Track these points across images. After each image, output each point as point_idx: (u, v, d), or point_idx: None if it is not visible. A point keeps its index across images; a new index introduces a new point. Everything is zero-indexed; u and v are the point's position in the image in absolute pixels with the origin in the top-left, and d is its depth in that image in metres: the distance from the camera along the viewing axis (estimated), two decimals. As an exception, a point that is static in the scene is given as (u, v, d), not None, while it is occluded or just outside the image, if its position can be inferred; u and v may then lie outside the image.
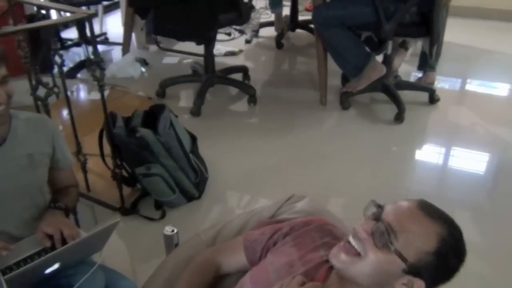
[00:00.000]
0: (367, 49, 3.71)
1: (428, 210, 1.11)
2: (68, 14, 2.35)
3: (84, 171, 2.75)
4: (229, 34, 5.43)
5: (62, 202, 1.77)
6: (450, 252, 1.09)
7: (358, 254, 1.11)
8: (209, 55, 3.91)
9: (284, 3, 5.18)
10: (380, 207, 1.14)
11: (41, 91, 2.34)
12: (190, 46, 3.79)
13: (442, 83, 4.35)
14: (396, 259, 1.07)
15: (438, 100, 3.90)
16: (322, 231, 1.35)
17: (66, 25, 5.20)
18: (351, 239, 1.13)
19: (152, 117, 2.70)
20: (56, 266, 1.50)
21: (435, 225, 1.09)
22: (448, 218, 1.14)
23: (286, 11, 5.20)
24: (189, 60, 4.62)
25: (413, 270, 1.07)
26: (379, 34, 3.50)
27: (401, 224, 1.08)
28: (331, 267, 1.22)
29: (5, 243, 1.56)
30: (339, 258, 1.13)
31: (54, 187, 1.88)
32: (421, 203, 1.13)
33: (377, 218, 1.12)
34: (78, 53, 4.83)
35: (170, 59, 4.85)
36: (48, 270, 1.50)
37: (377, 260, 1.08)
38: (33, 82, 2.32)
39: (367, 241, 1.09)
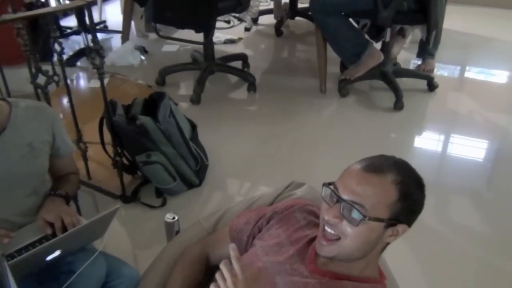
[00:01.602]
0: (365, 36, 3.71)
1: (372, 168, 1.15)
2: (67, 2, 2.35)
3: (85, 159, 2.76)
4: (228, 22, 5.42)
5: (62, 189, 1.77)
6: (411, 188, 1.15)
7: (339, 238, 1.15)
8: (208, 43, 3.90)
9: (284, -10, 5.18)
10: (332, 184, 1.18)
11: (41, 79, 2.34)
12: (189, 34, 3.78)
13: (441, 70, 4.35)
14: (374, 224, 1.12)
15: (437, 87, 3.91)
16: (305, 211, 1.39)
17: (65, 13, 5.19)
18: (327, 228, 1.17)
19: (152, 105, 2.71)
20: (57, 253, 1.51)
21: (386, 177, 1.13)
22: (390, 163, 1.17)
23: (285, -2, 5.19)
24: (188, 48, 4.62)
25: (392, 222, 1.13)
26: (377, 21, 3.50)
27: (359, 194, 1.12)
28: None
29: (6, 230, 1.57)
30: (325, 249, 1.17)
31: (54, 174, 1.88)
32: (362, 165, 1.16)
33: (337, 200, 1.15)
34: (78, 41, 4.82)
35: (170, 47, 4.85)
36: (49, 257, 1.50)
37: (359, 234, 1.12)
38: (33, 70, 2.33)
39: (341, 224, 1.13)
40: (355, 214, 1.11)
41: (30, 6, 3.93)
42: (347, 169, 1.19)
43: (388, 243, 1.21)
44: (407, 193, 1.13)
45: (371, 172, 1.14)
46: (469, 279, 2.27)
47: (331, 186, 1.18)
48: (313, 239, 1.29)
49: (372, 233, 1.13)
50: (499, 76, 4.38)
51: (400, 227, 1.15)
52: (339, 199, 1.14)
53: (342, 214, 1.13)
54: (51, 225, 1.62)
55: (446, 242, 2.47)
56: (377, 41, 3.85)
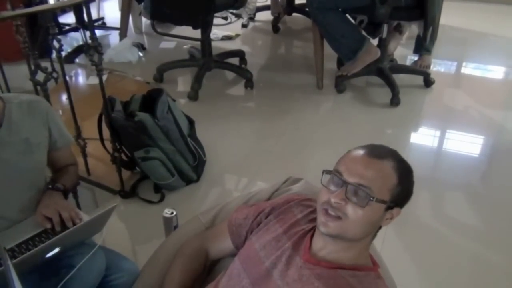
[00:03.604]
0: (362, 32, 3.72)
1: (375, 153, 1.23)
2: (65, -1, 2.36)
3: (84, 155, 2.77)
4: (225, 18, 5.43)
5: (61, 182, 1.78)
6: (405, 174, 1.23)
7: (340, 218, 1.19)
8: (206, 40, 3.91)
9: (281, -13, 5.18)
10: (337, 171, 1.22)
11: (40, 76, 2.35)
12: (187, 30, 3.80)
13: (437, 66, 4.37)
14: (378, 206, 1.18)
15: (433, 83, 3.93)
16: (301, 206, 1.42)
17: (63, 9, 5.19)
18: (330, 211, 1.20)
19: (150, 101, 2.73)
20: (56, 250, 1.52)
21: (386, 163, 1.21)
22: (388, 150, 1.26)
23: (282, -5, 5.19)
24: (186, 44, 4.63)
25: (391, 205, 1.21)
26: (374, 17, 3.51)
27: (366, 177, 1.18)
28: (312, 236, 1.29)
29: None
30: (329, 225, 1.20)
31: (53, 166, 1.89)
32: (367, 151, 1.24)
33: (342, 184, 1.20)
34: (76, 38, 4.84)
35: (167, 44, 4.86)
36: (48, 254, 1.52)
37: (364, 216, 1.18)
38: (32, 67, 2.34)
39: (345, 207, 1.18)
40: (363, 196, 1.16)
41: (28, 3, 3.94)
42: (348, 155, 1.25)
43: (380, 228, 1.26)
44: (404, 178, 1.21)
45: (374, 157, 1.21)
46: (463, 273, 2.28)
47: (334, 172, 1.23)
48: (308, 232, 1.31)
49: (375, 214, 1.19)
50: (495, 72, 4.40)
51: (395, 210, 1.22)
52: (345, 183, 1.18)
53: (347, 197, 1.17)
54: (50, 219, 1.62)
55: (441, 237, 2.49)
56: (374, 37, 3.87)
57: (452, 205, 2.74)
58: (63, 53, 2.50)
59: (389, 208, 1.20)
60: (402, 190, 1.21)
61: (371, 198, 1.16)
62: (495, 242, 2.46)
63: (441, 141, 3.37)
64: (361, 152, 1.24)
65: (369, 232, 1.23)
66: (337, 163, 1.26)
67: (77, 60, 4.46)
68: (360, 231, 1.21)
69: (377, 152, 1.23)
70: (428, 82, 3.93)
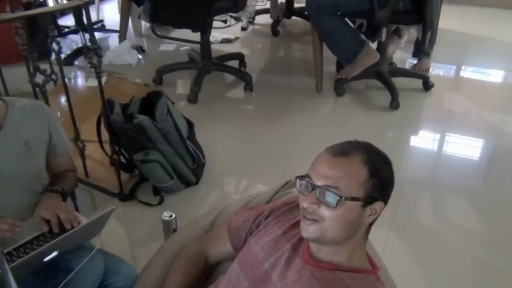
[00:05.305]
0: (361, 36, 3.73)
1: (339, 152, 1.20)
2: (65, 1, 2.36)
3: (83, 157, 2.77)
4: (225, 22, 5.44)
5: (59, 185, 1.77)
6: (378, 165, 1.20)
7: (317, 220, 1.18)
8: (205, 42, 3.92)
9: (280, -10, 5.19)
10: (307, 176, 1.21)
11: (39, 78, 2.35)
12: (186, 33, 3.80)
13: (436, 69, 4.38)
14: (351, 204, 1.16)
15: (432, 86, 3.93)
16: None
17: (63, 12, 5.19)
18: (307, 215, 1.20)
19: (149, 104, 2.72)
20: (54, 253, 1.51)
21: (353, 158, 1.18)
22: (354, 145, 1.23)
23: (281, -2, 5.20)
24: (185, 47, 4.63)
25: (368, 200, 1.17)
26: (373, 21, 3.52)
27: (332, 178, 1.16)
28: None
29: (10, 224, 1.54)
30: (309, 232, 1.20)
31: (52, 172, 1.88)
32: (331, 151, 1.21)
33: (311, 188, 1.18)
34: (75, 41, 4.83)
35: (167, 46, 4.86)
36: (46, 258, 1.51)
37: (339, 216, 1.16)
38: (31, 69, 2.34)
39: (319, 210, 1.17)
40: (331, 197, 1.14)
41: (28, 6, 3.94)
42: (316, 158, 1.23)
43: (371, 225, 1.24)
44: (376, 170, 1.18)
45: (339, 155, 1.19)
46: (465, 276, 2.28)
47: (305, 177, 1.21)
48: None
49: (351, 213, 1.16)
50: (494, 76, 4.41)
51: (377, 205, 1.19)
52: (314, 186, 1.17)
53: (318, 200, 1.16)
54: (48, 222, 1.62)
55: (442, 240, 2.49)
56: (373, 41, 3.87)
57: (452, 208, 2.74)
58: (62, 55, 2.50)
59: (367, 203, 1.17)
60: (377, 183, 1.17)
61: (340, 198, 1.14)
62: (496, 246, 2.46)
63: (440, 144, 3.37)
64: (326, 153, 1.22)
65: (352, 232, 1.20)
66: (310, 167, 1.24)
67: (76, 62, 4.45)
68: (339, 232, 1.18)
69: (342, 149, 1.20)
70: (427, 86, 3.94)
